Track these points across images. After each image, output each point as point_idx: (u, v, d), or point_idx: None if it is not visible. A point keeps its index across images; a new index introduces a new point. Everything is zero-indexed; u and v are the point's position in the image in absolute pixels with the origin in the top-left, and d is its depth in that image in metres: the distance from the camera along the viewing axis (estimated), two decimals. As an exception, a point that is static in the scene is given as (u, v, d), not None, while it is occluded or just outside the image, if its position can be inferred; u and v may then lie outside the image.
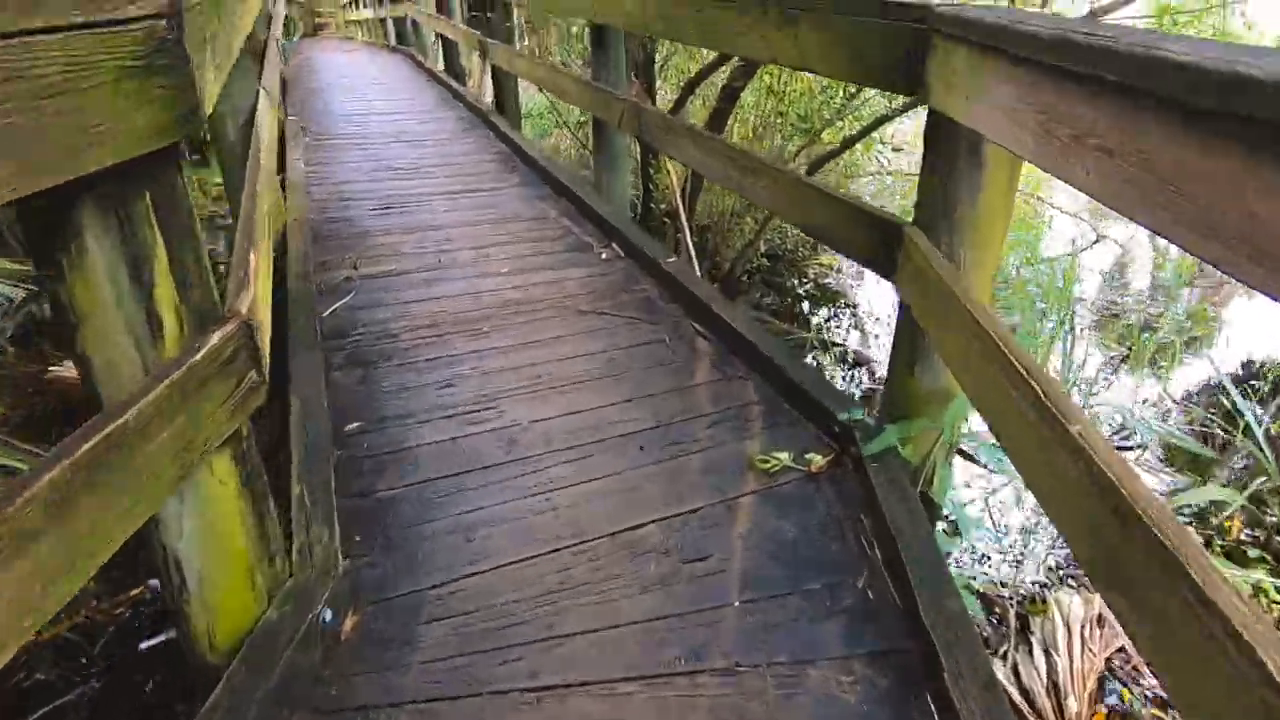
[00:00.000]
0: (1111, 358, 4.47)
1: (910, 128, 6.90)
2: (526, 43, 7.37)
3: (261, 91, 2.82)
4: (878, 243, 1.71)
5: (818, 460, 1.74)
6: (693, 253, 4.84)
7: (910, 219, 1.65)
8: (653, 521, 1.59)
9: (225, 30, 1.53)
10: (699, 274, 4.92)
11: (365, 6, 13.55)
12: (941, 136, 1.49)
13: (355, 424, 1.91)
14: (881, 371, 4.38)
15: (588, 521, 1.58)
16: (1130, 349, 4.41)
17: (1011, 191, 1.53)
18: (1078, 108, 0.96)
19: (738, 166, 2.23)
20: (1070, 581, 2.46)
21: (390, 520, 1.58)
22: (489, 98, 5.85)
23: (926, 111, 1.53)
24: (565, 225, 3.38)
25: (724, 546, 1.52)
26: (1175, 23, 4.41)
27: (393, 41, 10.73)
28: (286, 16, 13.42)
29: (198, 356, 0.99)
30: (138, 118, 0.87)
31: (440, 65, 7.58)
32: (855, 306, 5.54)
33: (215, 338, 1.03)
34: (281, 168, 4.22)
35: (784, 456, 1.75)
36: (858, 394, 4.12)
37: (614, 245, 3.15)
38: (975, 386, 1.32)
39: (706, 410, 2.00)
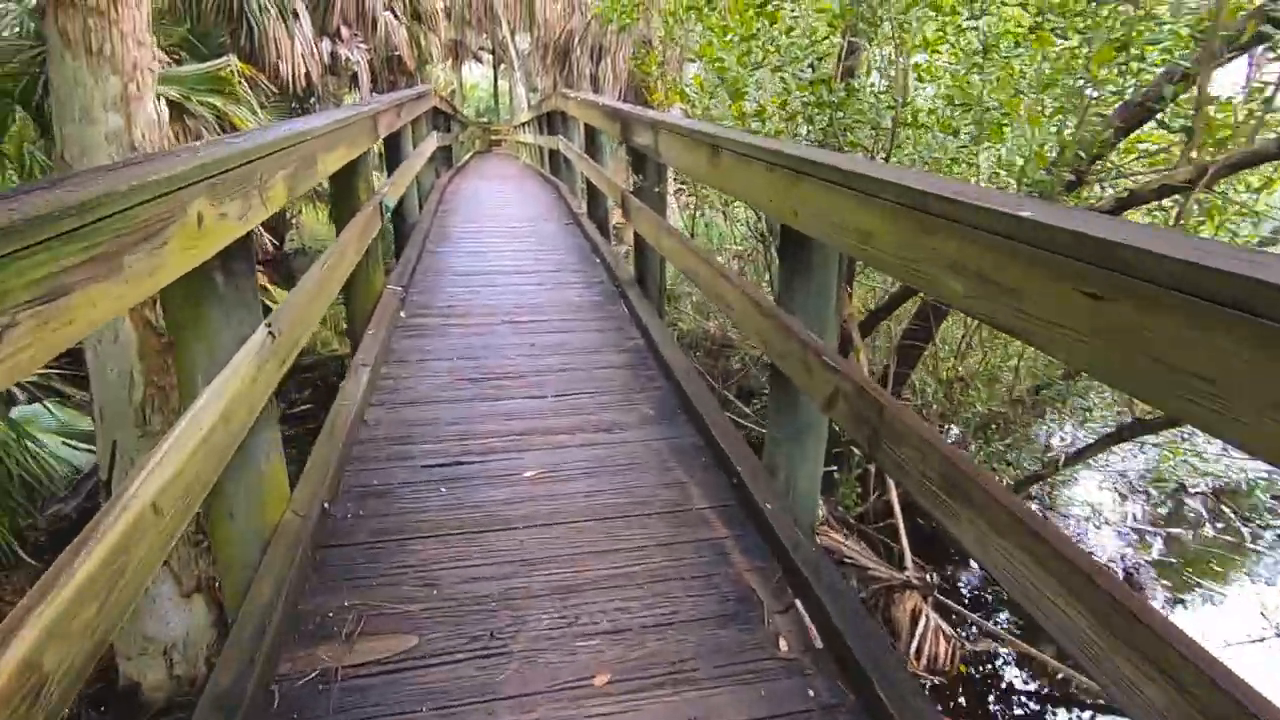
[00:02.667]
0: None
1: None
2: (684, 199, 6.44)
3: (262, 331, 1.80)
4: None
5: None
6: (908, 558, 3.26)
7: None
8: None
9: None
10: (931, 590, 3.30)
11: (528, 131, 13.76)
12: None
13: None
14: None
15: None
16: None
17: None
18: None
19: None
20: None
21: None
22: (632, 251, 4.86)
23: None
24: (716, 538, 2.05)
25: None
26: None
27: (548, 169, 10.44)
28: (458, 140, 13.90)
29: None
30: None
31: (585, 206, 6.83)
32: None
33: None
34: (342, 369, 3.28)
35: None
36: None
37: (799, 606, 1.77)
38: None
39: None
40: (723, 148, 2.35)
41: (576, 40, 14.01)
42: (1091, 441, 3.24)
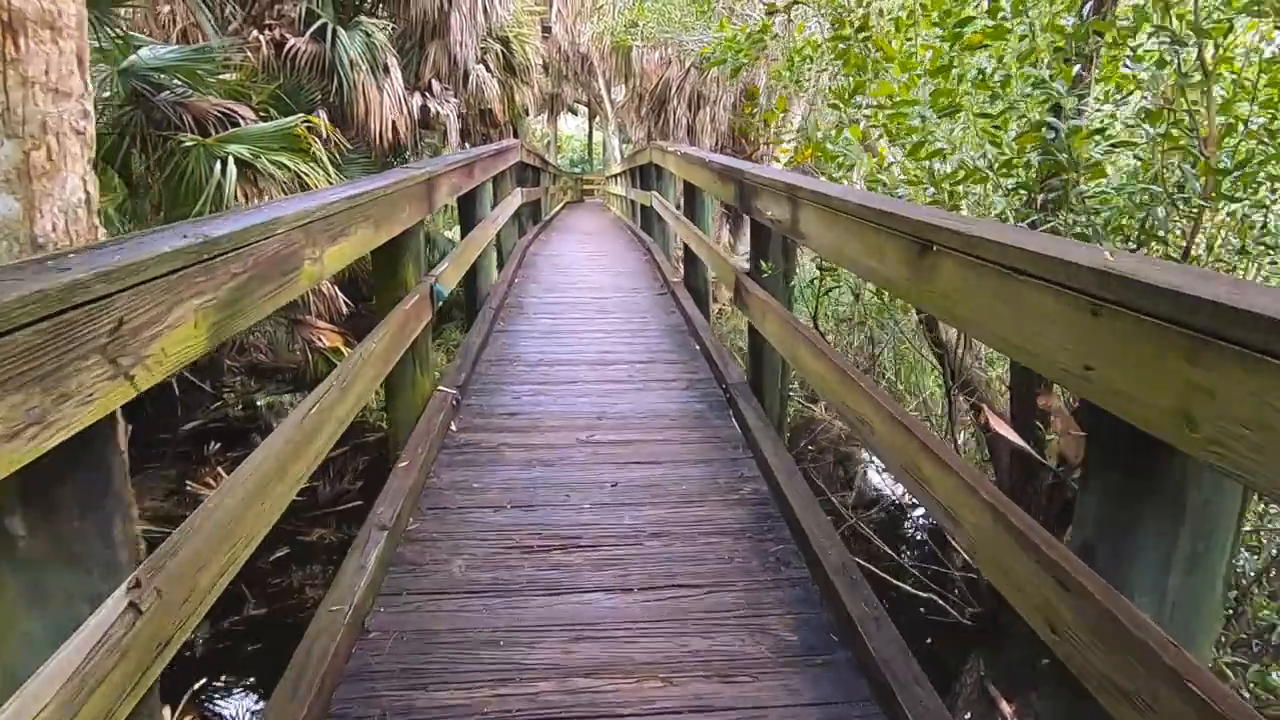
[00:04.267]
0: None
1: None
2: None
3: (114, 606, 0.96)
4: None
5: None
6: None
7: None
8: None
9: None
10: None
11: (619, 184, 13.24)
12: None
13: None
14: None
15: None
16: None
17: None
18: None
19: None
20: None
21: None
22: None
23: None
24: None
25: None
26: None
27: (638, 224, 9.75)
28: (549, 192, 13.54)
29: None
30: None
31: (677, 272, 5.98)
32: None
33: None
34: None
35: None
36: None
37: None
38: None
39: None
40: (945, 246, 1.38)
41: (674, 90, 13.46)
42: None
